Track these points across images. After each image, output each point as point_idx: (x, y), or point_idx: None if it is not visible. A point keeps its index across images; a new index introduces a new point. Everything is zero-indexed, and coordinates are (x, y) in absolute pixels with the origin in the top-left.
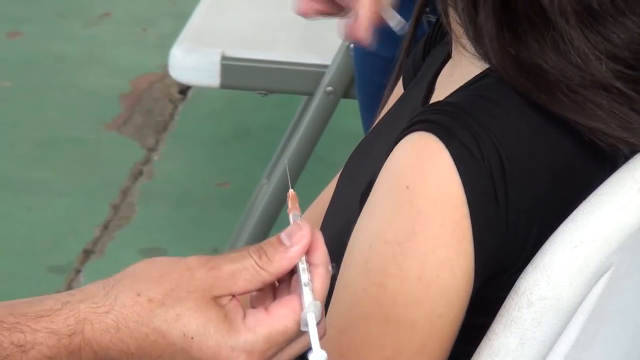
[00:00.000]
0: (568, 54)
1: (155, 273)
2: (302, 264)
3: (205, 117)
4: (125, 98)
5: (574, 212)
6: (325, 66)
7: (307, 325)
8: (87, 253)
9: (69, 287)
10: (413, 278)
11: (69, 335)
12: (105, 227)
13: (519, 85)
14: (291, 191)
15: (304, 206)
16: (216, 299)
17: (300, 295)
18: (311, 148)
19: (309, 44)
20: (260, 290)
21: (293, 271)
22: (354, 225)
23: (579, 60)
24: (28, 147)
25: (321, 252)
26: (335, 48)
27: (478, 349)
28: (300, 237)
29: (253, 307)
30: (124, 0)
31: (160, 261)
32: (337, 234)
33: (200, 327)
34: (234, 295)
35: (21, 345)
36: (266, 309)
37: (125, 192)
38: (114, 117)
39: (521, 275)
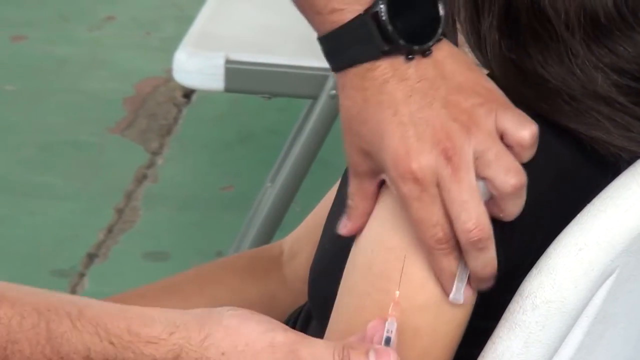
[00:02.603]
0: (571, 66)
1: (242, 339)
2: None
3: (209, 120)
4: (129, 102)
5: (579, 215)
6: (330, 70)
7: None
8: (90, 257)
9: (73, 292)
10: (416, 284)
11: None
12: (109, 230)
13: (519, 94)
14: (397, 293)
15: (307, 210)
16: None
17: None
18: (315, 151)
19: (313, 48)
20: None
21: None
22: None
23: (582, 74)
24: (31, 151)
25: None
26: None
27: (482, 353)
28: None
29: None
30: (128, 4)
31: (252, 325)
32: (339, 238)
33: None
34: None
35: None
36: None
37: (129, 196)
38: (117, 120)
39: (525, 279)
